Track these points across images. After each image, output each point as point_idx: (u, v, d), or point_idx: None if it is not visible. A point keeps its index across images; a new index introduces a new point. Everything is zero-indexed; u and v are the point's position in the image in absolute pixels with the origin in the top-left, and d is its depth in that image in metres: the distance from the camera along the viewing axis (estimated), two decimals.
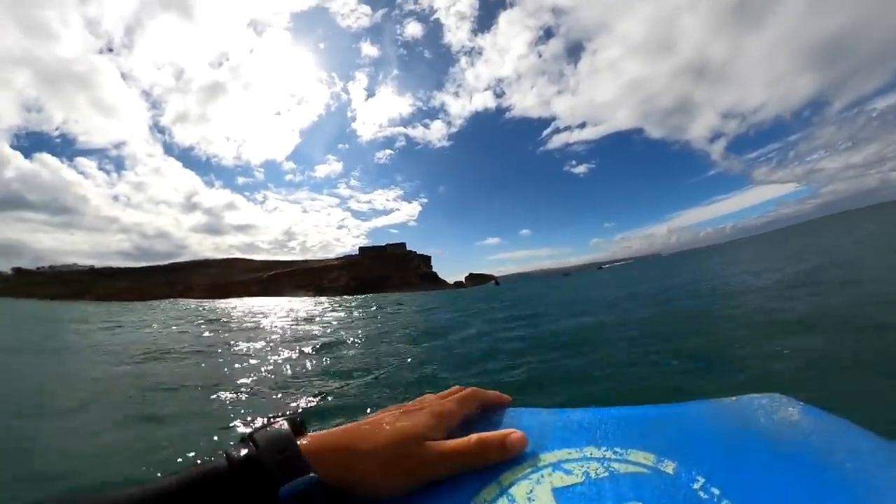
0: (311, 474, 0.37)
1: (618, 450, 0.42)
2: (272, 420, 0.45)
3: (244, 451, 0.38)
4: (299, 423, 0.45)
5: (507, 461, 0.42)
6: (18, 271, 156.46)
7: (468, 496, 0.39)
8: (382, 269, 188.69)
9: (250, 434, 0.41)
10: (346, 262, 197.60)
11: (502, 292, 29.72)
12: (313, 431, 0.44)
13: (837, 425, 0.40)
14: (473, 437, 0.44)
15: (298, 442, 0.40)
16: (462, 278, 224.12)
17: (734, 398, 0.46)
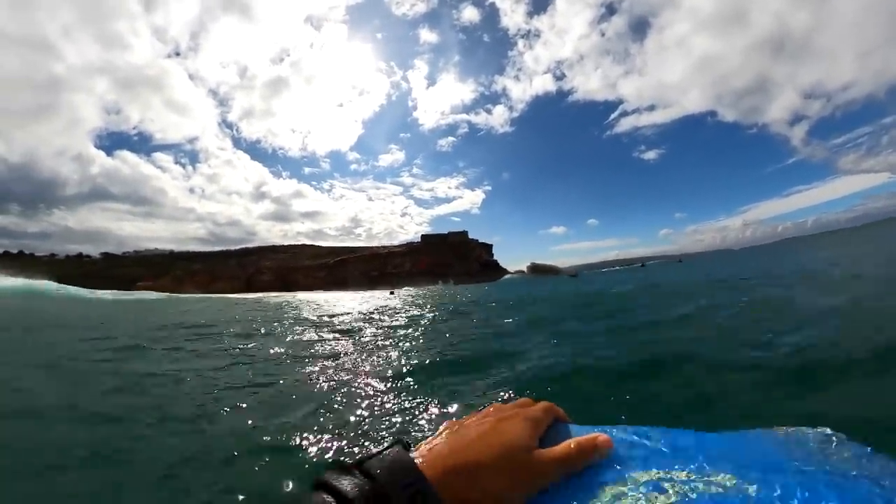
0: None
1: (702, 472, 0.43)
2: (378, 444, 0.48)
3: (350, 484, 0.35)
4: (409, 445, 0.43)
5: (602, 472, 0.44)
6: (106, 255, 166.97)
7: None
8: (443, 257, 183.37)
9: (358, 462, 0.38)
10: (409, 248, 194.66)
11: (594, 287, 20.78)
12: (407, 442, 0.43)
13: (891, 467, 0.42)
14: (572, 441, 0.45)
15: (418, 464, 0.39)
16: (524, 268, 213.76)
17: (792, 429, 0.49)
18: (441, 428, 0.50)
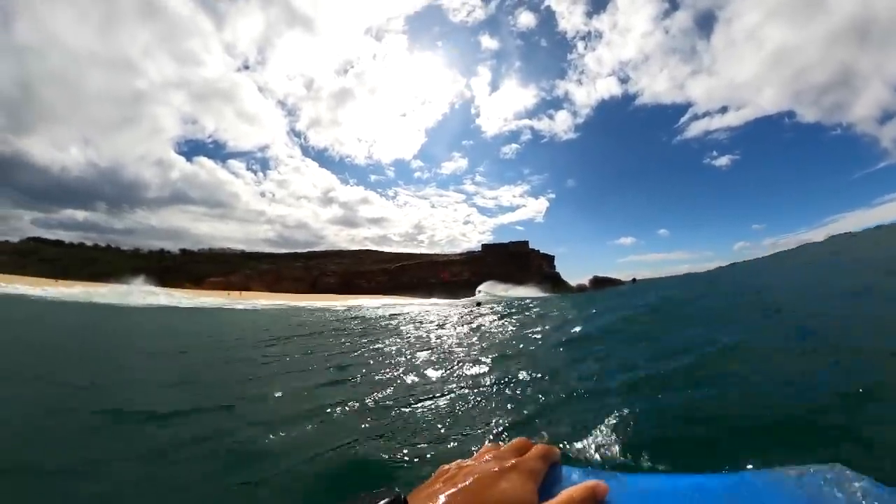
0: None
1: None
2: (363, 496, 0.41)
3: None
4: (403, 500, 0.42)
5: None
6: (183, 251, 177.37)
7: None
8: (503, 267, 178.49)
9: None
10: (469, 257, 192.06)
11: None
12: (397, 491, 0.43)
13: None
14: (564, 494, 0.44)
15: None
16: (586, 281, 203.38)
17: (800, 470, 0.46)
18: (435, 475, 0.48)
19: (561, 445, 2.51)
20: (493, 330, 8.84)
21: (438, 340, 7.57)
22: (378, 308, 25.80)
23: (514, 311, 12.98)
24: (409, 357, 5.88)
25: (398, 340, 7.94)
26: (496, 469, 0.44)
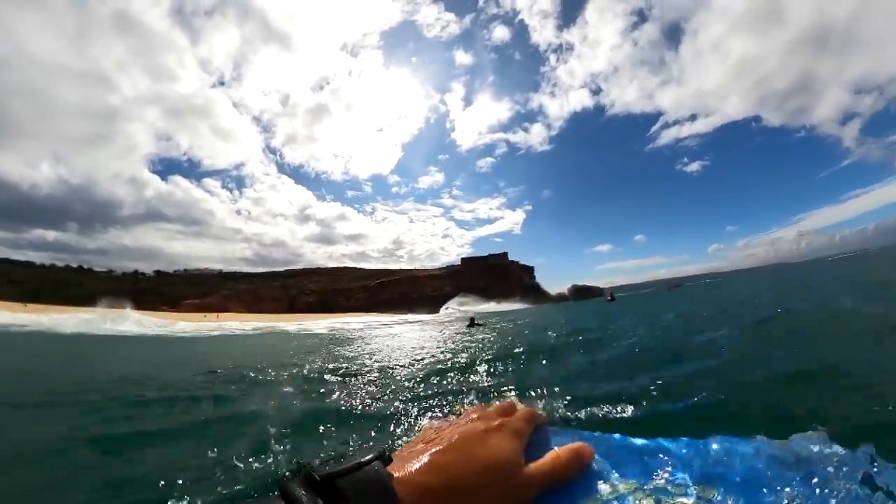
0: None
1: (681, 484, 0.43)
2: (352, 451, 0.39)
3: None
4: (388, 457, 0.40)
5: (583, 483, 0.43)
6: (158, 273, 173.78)
7: None
8: (483, 280, 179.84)
9: (330, 476, 0.35)
10: (449, 271, 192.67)
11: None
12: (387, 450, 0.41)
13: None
14: (550, 455, 0.44)
15: (397, 478, 0.36)
16: (565, 290, 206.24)
17: (786, 440, 0.48)
18: (422, 433, 0.47)
19: (547, 409, 2.79)
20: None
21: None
22: (360, 328, 24.50)
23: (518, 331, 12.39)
24: None
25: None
26: (482, 428, 0.44)
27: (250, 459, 2.38)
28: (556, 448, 0.45)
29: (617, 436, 0.50)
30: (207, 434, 3.21)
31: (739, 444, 0.47)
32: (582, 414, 2.77)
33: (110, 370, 7.52)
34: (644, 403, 2.94)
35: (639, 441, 0.48)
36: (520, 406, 0.54)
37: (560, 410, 2.89)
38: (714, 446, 0.47)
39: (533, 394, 3.44)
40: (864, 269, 22.31)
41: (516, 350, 7.44)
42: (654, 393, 3.22)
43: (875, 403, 2.44)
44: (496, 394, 3.65)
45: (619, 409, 2.85)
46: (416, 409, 3.36)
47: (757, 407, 2.83)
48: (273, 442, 2.65)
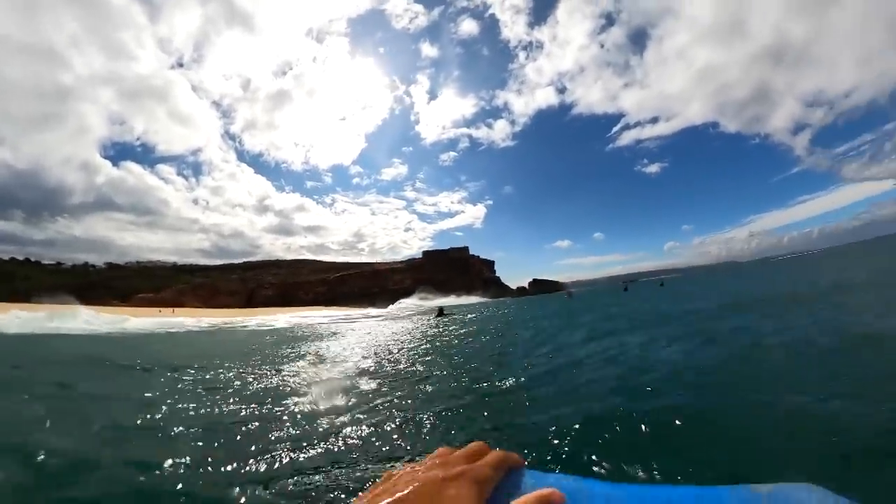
0: None
1: None
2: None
3: None
4: None
5: None
6: (109, 265, 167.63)
7: None
8: (444, 273, 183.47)
9: None
10: (410, 265, 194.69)
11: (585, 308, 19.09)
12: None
13: None
14: (524, 501, 0.41)
15: None
16: (525, 284, 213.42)
17: (770, 487, 0.44)
18: (381, 479, 0.47)
19: (525, 451, 2.55)
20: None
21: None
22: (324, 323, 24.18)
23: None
24: None
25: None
26: (441, 476, 0.42)
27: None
28: (524, 496, 0.41)
29: (600, 482, 0.46)
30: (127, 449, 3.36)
31: (725, 492, 0.44)
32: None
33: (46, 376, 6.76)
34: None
35: (623, 487, 0.45)
36: (492, 450, 0.49)
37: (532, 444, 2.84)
38: (696, 492, 0.44)
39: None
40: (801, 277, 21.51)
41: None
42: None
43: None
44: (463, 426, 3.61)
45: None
46: (378, 445, 3.26)
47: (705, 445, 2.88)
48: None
